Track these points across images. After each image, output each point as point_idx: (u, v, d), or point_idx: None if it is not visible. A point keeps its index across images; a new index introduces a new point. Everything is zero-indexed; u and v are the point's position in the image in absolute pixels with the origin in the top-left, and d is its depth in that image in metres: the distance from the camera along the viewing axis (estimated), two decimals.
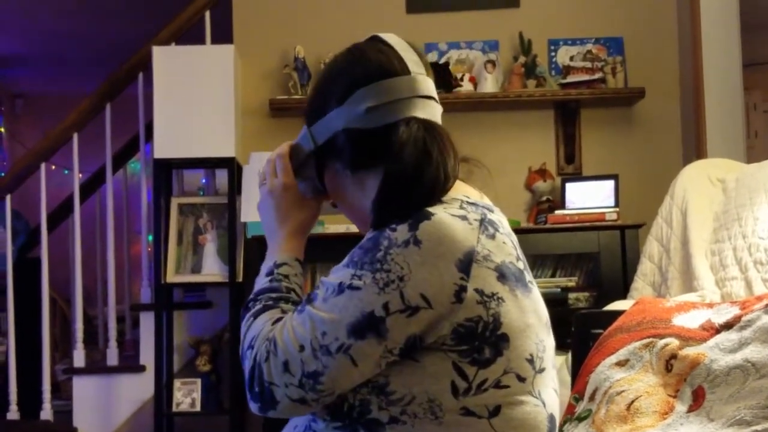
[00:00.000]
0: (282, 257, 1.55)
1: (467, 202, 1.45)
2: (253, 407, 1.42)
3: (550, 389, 1.45)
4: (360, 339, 1.34)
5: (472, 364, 1.35)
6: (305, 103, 1.59)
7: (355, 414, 1.37)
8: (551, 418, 1.44)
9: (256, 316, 1.46)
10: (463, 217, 1.40)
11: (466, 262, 1.36)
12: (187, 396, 3.92)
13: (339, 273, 1.40)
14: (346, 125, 1.48)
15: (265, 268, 1.54)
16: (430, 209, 1.39)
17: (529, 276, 1.46)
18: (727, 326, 1.79)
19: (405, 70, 1.49)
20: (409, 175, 1.42)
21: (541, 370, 1.42)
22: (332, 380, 1.35)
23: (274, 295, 1.49)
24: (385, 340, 1.34)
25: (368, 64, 1.50)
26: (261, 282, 1.52)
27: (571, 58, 4.13)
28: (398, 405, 1.35)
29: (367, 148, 1.48)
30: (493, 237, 1.41)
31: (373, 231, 1.42)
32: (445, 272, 1.35)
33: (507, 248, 1.42)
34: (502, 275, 1.39)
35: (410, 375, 1.35)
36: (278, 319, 1.43)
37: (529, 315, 1.42)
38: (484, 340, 1.36)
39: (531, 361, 1.40)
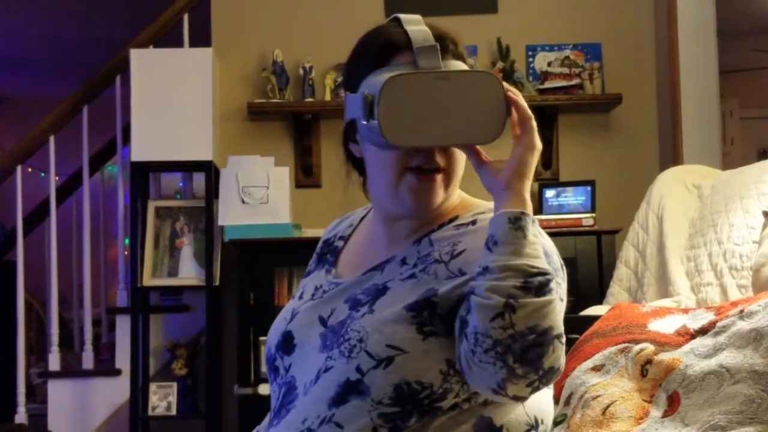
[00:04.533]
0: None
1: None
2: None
3: None
4: None
5: None
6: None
7: (427, 401, 1.36)
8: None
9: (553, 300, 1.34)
10: None
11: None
12: (162, 400, 3.90)
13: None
14: None
15: (536, 237, 1.40)
16: None
17: None
18: (702, 332, 1.80)
19: None
20: None
21: None
22: None
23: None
24: None
25: None
26: (541, 254, 1.38)
27: (549, 64, 4.14)
28: (469, 392, 1.39)
29: None
30: None
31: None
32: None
33: None
34: None
35: None
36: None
37: None
38: None
39: None
